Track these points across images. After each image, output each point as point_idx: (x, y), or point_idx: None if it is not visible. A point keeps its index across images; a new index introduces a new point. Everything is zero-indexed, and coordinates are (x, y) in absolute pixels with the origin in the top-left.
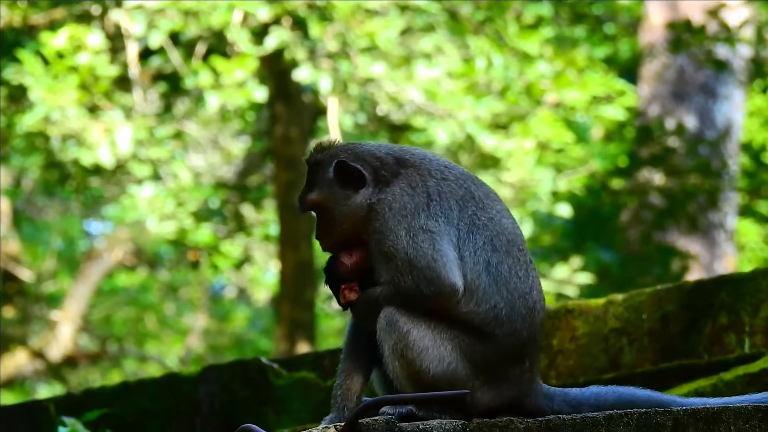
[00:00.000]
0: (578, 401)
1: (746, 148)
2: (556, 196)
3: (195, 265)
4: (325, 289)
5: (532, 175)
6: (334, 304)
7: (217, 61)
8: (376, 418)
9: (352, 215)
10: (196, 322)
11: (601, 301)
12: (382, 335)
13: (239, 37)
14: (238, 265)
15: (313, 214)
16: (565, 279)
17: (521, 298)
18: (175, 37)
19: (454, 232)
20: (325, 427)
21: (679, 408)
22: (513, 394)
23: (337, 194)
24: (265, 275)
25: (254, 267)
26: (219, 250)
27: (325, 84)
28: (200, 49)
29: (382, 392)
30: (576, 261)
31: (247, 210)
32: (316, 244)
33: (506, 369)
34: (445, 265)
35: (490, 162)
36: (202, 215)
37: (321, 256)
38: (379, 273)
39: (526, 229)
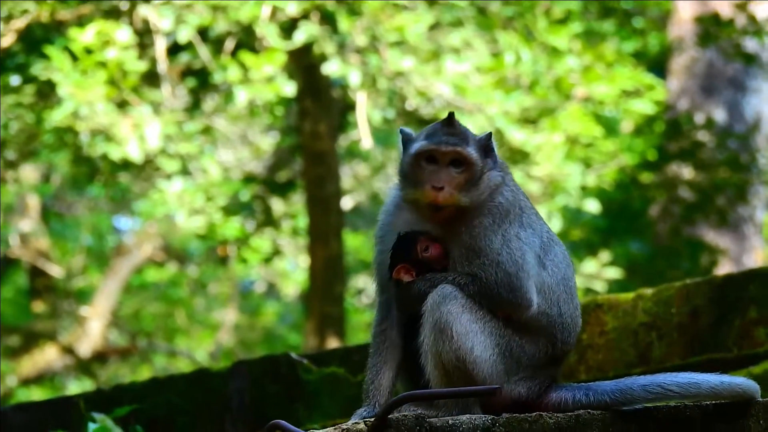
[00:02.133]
0: (604, 393)
1: None
2: (585, 191)
3: (224, 260)
4: (354, 284)
5: (561, 170)
6: (365, 298)
7: (246, 56)
8: (405, 413)
9: (484, 186)
10: (226, 317)
11: (630, 295)
12: (430, 309)
13: (268, 32)
14: (268, 260)
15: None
16: (594, 273)
17: (577, 308)
18: (203, 33)
19: (538, 244)
20: (355, 423)
21: (709, 403)
22: (543, 390)
23: (481, 159)
24: (294, 270)
25: (283, 261)
26: (248, 244)
27: (354, 78)
28: (229, 44)
29: (406, 389)
30: (605, 255)
31: (276, 204)
32: (347, 238)
33: (546, 370)
34: (529, 279)
35: (519, 156)
36: (231, 209)
37: (351, 252)
38: (459, 264)
39: (555, 224)
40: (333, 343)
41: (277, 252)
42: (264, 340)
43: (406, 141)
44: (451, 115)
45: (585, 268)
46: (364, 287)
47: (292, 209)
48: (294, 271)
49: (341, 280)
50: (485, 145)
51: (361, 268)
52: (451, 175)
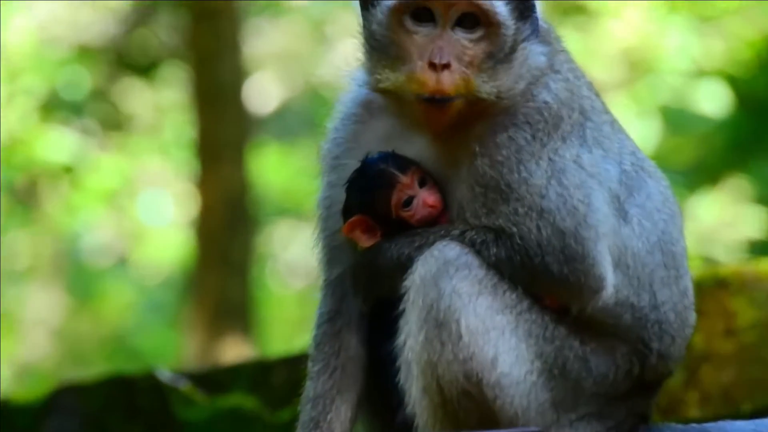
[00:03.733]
0: None
1: None
2: (701, 73)
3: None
4: (275, 244)
5: (651, 36)
6: (297, 273)
7: None
8: None
9: (518, 68)
10: (39, 306)
11: None
12: (418, 287)
13: None
14: (109, 201)
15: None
16: (714, 226)
17: (687, 294)
18: None
19: (616, 176)
20: None
21: None
22: None
23: (514, 21)
24: (164, 222)
25: (144, 204)
26: (78, 174)
27: None
28: None
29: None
30: (733, 191)
31: (132, 99)
32: (263, 161)
33: (629, 402)
34: (598, 240)
35: (582, 16)
36: (50, 108)
37: (270, 188)
38: (471, 213)
39: (647, 139)
40: (235, 353)
41: (130, 188)
42: (108, 348)
43: None
44: None
45: (698, 214)
46: (294, 253)
47: (162, 109)
48: (165, 224)
49: (249, 237)
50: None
51: (289, 215)
52: (461, 44)
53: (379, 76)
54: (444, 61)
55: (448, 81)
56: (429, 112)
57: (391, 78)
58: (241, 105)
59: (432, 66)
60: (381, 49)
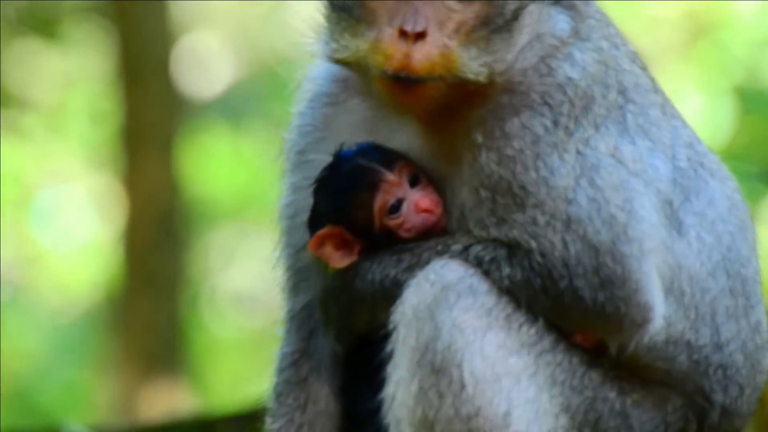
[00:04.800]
0: None
1: None
2: None
3: None
4: (220, 250)
5: None
6: (247, 297)
7: None
8: None
9: (525, 37)
10: None
11: None
12: (410, 321)
13: None
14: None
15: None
16: None
17: (760, 329)
18: None
19: (667, 174)
20: None
21: None
22: None
23: None
24: (67, 234)
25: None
26: None
27: None
28: None
29: None
30: None
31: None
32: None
33: None
34: (643, 257)
35: None
36: None
37: (209, 189)
38: (476, 222)
39: (710, 126)
40: (166, 406)
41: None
42: (7, 404)
43: None
44: None
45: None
46: (245, 273)
47: (71, 81)
48: (74, 239)
49: (180, 254)
50: None
51: (240, 221)
52: (446, 6)
53: (336, 44)
54: (418, 29)
55: (421, 56)
56: (397, 94)
57: (350, 47)
58: (169, 80)
59: (403, 34)
60: (343, 8)
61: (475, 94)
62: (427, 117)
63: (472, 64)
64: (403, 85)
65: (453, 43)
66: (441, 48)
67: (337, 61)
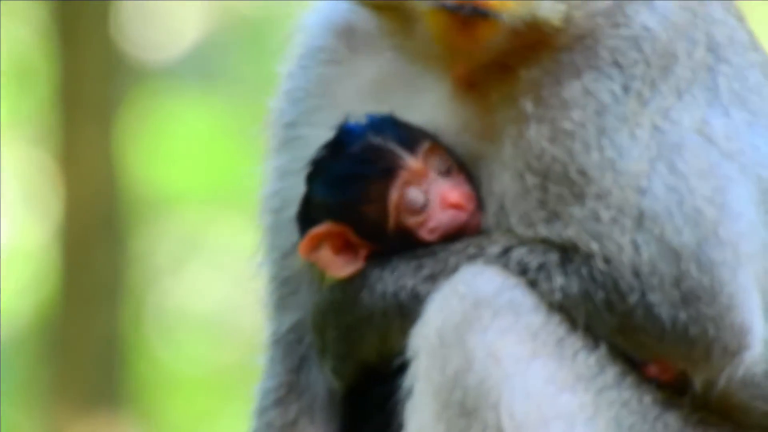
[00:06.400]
0: None
1: None
2: None
3: None
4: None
5: None
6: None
7: None
8: None
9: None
10: None
11: None
12: (433, 349)
13: None
14: None
15: None
16: None
17: None
18: None
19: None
20: None
21: None
22: None
23: None
24: None
25: None
26: None
27: None
28: None
29: None
30: None
31: None
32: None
33: None
34: (739, 268)
35: None
36: None
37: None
38: (519, 215)
39: None
40: None
41: None
42: None
43: None
44: None
45: None
46: (212, 275)
47: None
48: None
49: (122, 255)
50: None
51: (206, 205)
52: None
53: None
54: None
55: None
56: (456, 34)
57: None
58: (109, 38)
59: None
60: None
61: (535, 45)
62: (470, 76)
63: (549, 1)
64: (465, 21)
65: None
66: None
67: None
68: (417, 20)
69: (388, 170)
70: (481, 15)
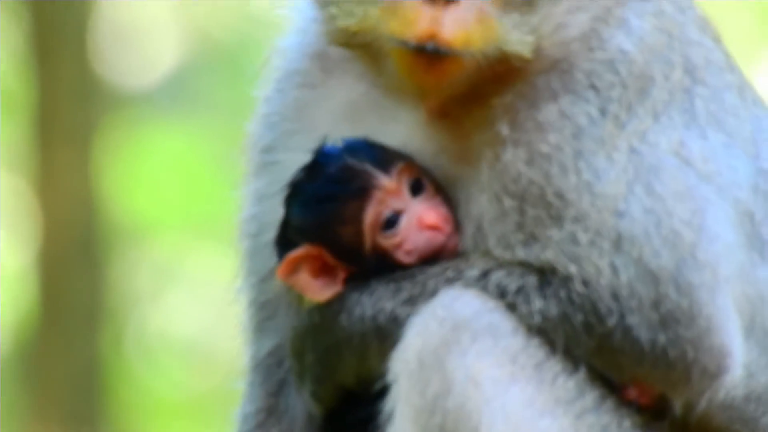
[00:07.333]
0: None
1: None
2: None
3: None
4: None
5: None
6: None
7: None
8: None
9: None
10: None
11: None
12: (412, 373)
13: None
14: None
15: None
16: None
17: None
18: None
19: (747, 178)
20: None
21: None
22: None
23: None
24: None
25: None
26: None
27: None
28: None
29: None
30: None
31: None
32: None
33: None
34: (717, 291)
35: None
36: None
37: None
38: (497, 238)
39: None
40: None
41: None
42: None
43: None
44: None
45: None
46: (190, 302)
47: None
48: None
49: (100, 282)
50: None
51: (184, 233)
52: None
53: (337, 10)
54: None
55: (453, 23)
56: (421, 72)
57: (356, 12)
58: (86, 62)
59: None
60: None
61: (507, 73)
62: (442, 104)
63: (515, 34)
64: (428, 59)
65: (490, 7)
66: (477, 13)
67: (336, 37)
68: (385, 56)
69: (362, 189)
70: (444, 54)
